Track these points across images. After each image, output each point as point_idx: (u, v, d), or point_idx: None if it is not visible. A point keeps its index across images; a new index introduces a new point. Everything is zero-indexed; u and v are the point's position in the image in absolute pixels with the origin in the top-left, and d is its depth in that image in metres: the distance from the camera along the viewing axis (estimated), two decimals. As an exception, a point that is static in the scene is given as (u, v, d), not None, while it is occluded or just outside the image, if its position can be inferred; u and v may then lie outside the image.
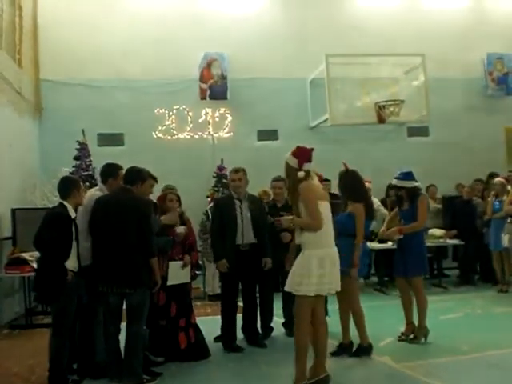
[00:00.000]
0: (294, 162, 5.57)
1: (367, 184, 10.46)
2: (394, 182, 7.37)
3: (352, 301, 6.64)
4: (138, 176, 6.10)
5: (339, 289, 5.63)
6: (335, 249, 5.57)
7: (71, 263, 5.69)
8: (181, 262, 6.79)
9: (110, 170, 6.40)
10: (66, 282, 5.59)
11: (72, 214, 5.74)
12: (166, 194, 6.96)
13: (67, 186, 5.86)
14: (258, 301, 7.57)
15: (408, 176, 7.27)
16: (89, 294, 6.05)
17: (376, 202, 11.55)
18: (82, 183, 6.05)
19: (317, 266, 5.38)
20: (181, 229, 6.77)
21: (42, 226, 5.77)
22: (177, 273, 6.73)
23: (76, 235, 5.76)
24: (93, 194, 6.28)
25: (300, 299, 5.48)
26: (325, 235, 5.45)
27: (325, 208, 5.51)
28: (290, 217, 5.64)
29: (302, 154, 5.59)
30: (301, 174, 5.50)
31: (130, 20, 12.69)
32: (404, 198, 7.38)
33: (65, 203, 5.75)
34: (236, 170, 7.46)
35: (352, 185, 6.76)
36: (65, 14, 12.33)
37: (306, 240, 5.50)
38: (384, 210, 11.30)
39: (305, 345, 5.44)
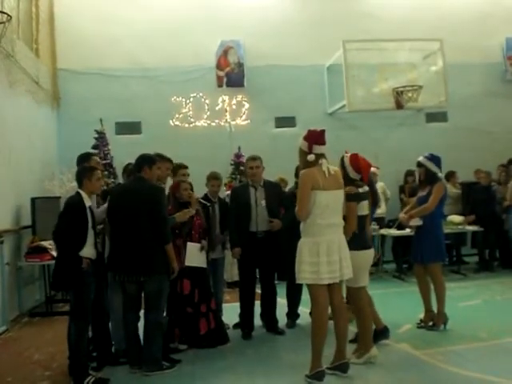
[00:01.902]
0: (304, 146, 5.55)
1: (374, 169, 10.50)
2: (420, 158, 7.31)
3: None
4: (143, 161, 6.13)
5: (350, 275, 5.60)
6: (336, 237, 5.50)
7: (88, 251, 5.67)
8: (198, 245, 6.88)
9: (83, 156, 6.70)
10: (81, 269, 5.55)
11: (87, 202, 5.72)
12: (179, 183, 6.97)
13: (79, 176, 5.88)
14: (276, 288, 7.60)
15: (435, 160, 7.23)
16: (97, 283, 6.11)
17: (382, 186, 11.59)
18: (97, 171, 5.99)
19: (307, 254, 5.39)
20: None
21: (59, 215, 5.85)
22: (195, 255, 6.81)
23: (93, 223, 5.75)
24: None
25: (309, 287, 5.50)
26: (320, 224, 5.40)
27: (328, 197, 5.42)
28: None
29: (312, 137, 5.55)
30: (310, 157, 5.47)
31: (147, 9, 12.69)
32: (422, 179, 7.34)
33: (80, 192, 5.76)
34: (253, 158, 7.45)
35: None
36: (81, 3, 12.36)
37: (301, 228, 5.55)
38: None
39: (320, 332, 5.44)
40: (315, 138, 5.54)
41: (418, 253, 7.26)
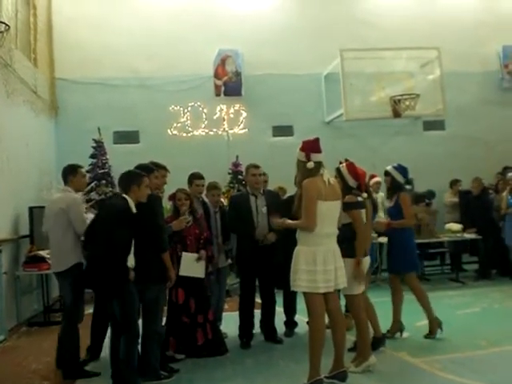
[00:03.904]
0: (302, 156, 5.56)
1: (379, 179, 10.54)
2: (388, 167, 7.39)
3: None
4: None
5: (345, 284, 5.62)
6: (332, 246, 5.51)
7: (131, 260, 5.51)
8: (195, 255, 6.84)
9: (69, 169, 6.60)
10: (128, 280, 5.45)
11: (133, 209, 5.51)
12: (176, 192, 6.99)
13: (127, 181, 5.65)
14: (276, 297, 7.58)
15: (402, 170, 7.31)
16: (74, 293, 6.14)
17: (382, 196, 11.64)
18: (145, 178, 5.75)
19: (304, 262, 5.39)
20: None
21: (106, 220, 5.58)
22: (190, 265, 6.76)
23: (143, 231, 5.60)
24: (74, 197, 6.45)
25: (305, 295, 5.50)
26: (318, 233, 5.39)
27: (328, 207, 5.43)
28: (280, 220, 5.74)
29: (308, 146, 5.57)
30: (310, 164, 5.48)
31: (144, 18, 12.75)
32: (388, 187, 7.40)
33: (126, 197, 5.53)
34: (256, 166, 7.48)
35: None
36: (79, 12, 12.42)
37: (298, 236, 5.55)
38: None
39: (317, 340, 5.43)
40: (311, 146, 5.57)
41: (391, 263, 7.30)
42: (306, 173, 5.50)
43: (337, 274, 5.46)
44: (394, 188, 7.34)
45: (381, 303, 6.95)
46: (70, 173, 6.57)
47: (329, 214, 5.46)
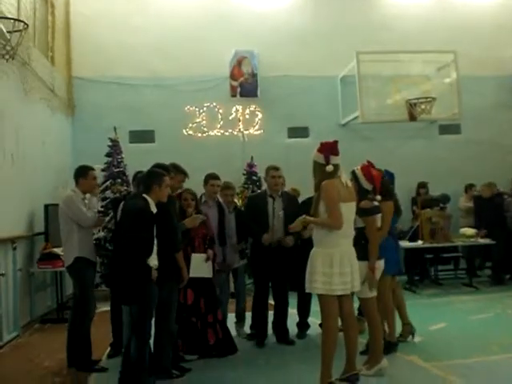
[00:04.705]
0: (320, 158, 5.54)
1: None
2: None
3: (381, 296, 6.41)
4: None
5: (358, 288, 5.61)
6: (349, 248, 5.51)
7: (153, 261, 5.44)
8: (204, 255, 6.83)
9: (80, 171, 6.71)
10: (151, 281, 5.40)
11: (153, 208, 5.48)
12: (182, 193, 6.94)
13: (149, 181, 5.61)
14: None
15: (389, 176, 7.12)
16: (81, 288, 6.22)
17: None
18: (166, 178, 5.70)
19: (321, 264, 5.37)
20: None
21: (126, 221, 5.55)
22: (199, 265, 6.76)
23: (158, 231, 5.53)
24: (70, 195, 6.60)
25: (320, 297, 5.48)
26: (336, 235, 5.38)
27: (345, 209, 5.42)
28: (301, 218, 5.62)
29: (327, 148, 5.54)
30: (329, 167, 5.46)
31: (162, 18, 12.77)
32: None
33: (146, 197, 5.49)
34: (276, 168, 7.51)
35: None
36: (97, 11, 12.46)
37: (315, 238, 5.54)
38: None
39: (330, 342, 5.42)
40: (330, 149, 5.54)
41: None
42: (325, 175, 5.48)
43: (353, 276, 5.46)
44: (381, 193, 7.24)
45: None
46: (80, 175, 6.66)
47: (346, 215, 5.44)
